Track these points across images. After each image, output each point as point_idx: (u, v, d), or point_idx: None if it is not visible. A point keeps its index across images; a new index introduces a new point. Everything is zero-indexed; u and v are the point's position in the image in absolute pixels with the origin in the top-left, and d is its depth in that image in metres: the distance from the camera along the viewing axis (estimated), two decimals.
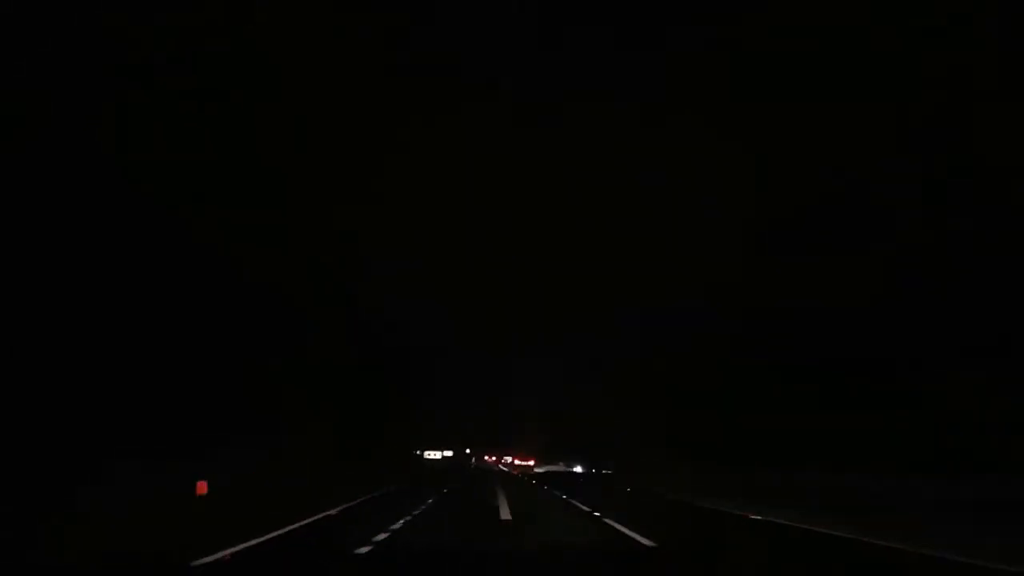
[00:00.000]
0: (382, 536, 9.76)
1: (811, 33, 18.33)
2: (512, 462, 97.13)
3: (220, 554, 7.85)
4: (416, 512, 14.12)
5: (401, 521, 12.27)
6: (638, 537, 10.44)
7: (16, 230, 13.99)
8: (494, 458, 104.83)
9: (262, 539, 9.37)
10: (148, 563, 7.45)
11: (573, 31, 19.85)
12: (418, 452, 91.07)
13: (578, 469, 70.66)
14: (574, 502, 18.71)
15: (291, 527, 10.98)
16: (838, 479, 20.34)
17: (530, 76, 21.63)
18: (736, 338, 31.75)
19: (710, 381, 36.03)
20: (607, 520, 13.54)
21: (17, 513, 10.49)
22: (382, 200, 28.95)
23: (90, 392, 15.64)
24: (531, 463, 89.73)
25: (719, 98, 22.39)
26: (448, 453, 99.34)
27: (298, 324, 29.16)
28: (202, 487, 14.84)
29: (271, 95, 19.84)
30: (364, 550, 8.43)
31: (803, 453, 24.46)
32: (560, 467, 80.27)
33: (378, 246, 33.32)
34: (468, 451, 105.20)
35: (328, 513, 13.73)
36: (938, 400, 20.00)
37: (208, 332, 21.12)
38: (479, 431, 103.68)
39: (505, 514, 14.11)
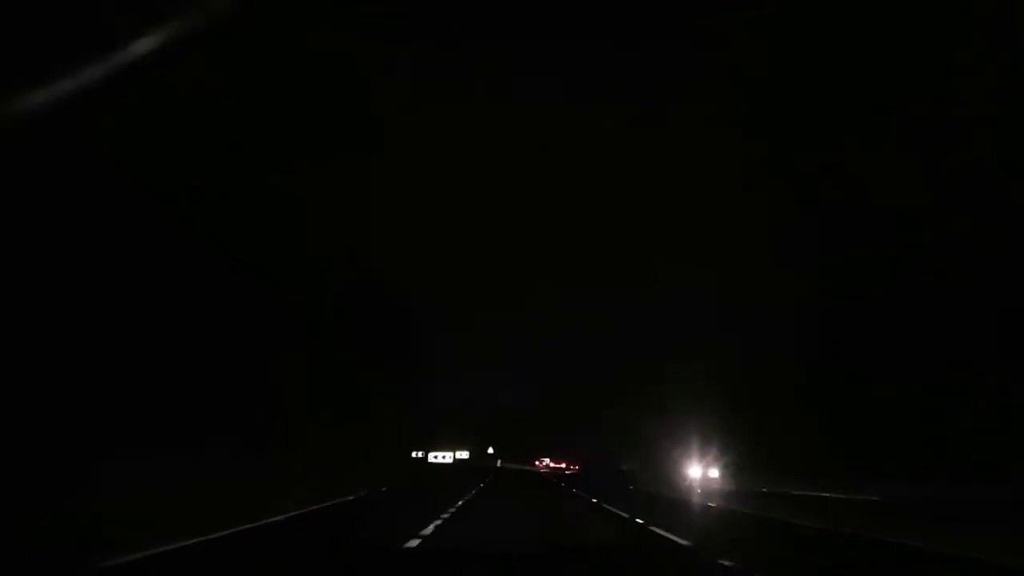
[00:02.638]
0: None
1: (810, 32, 18.32)
2: (548, 465, 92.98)
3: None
4: None
5: None
6: None
7: (15, 229, 14.02)
8: (543, 462, 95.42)
9: None
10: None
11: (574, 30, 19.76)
12: (420, 454, 76.72)
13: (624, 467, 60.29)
14: None
15: None
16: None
17: (534, 71, 21.52)
18: (742, 337, 31.80)
19: (715, 381, 36.02)
20: None
21: None
22: (382, 199, 28.95)
23: (79, 393, 15.61)
24: (563, 465, 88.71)
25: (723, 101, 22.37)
26: (462, 455, 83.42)
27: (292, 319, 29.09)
28: None
29: (282, 98, 19.87)
30: None
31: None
32: (577, 468, 79.77)
33: (377, 245, 33.34)
34: (491, 451, 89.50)
35: None
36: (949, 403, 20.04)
37: (203, 331, 21.14)
38: (505, 433, 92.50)
39: None
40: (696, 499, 23.54)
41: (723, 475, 29.99)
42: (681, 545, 10.70)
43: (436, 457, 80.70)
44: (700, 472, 31.45)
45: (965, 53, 16.44)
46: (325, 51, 19.44)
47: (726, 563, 9.01)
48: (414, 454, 73.72)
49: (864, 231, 21.28)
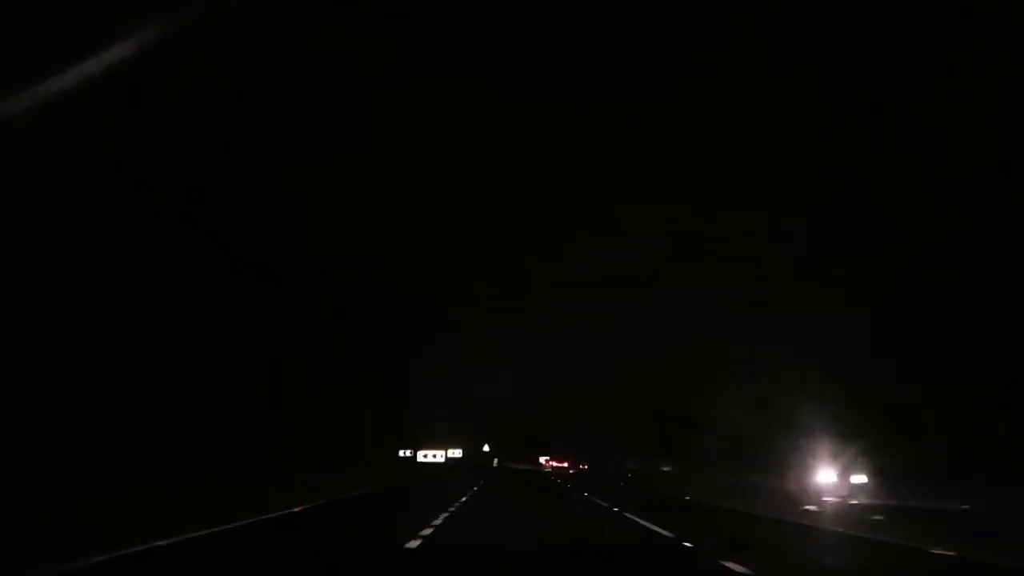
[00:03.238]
0: None
1: (810, 32, 18.34)
2: (552, 464, 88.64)
3: None
4: None
5: None
6: None
7: (15, 229, 14.03)
8: (549, 462, 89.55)
9: None
10: None
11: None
12: (408, 453, 69.85)
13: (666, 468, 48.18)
14: None
15: None
16: None
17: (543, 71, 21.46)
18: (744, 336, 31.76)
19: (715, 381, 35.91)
20: None
21: None
22: (382, 199, 28.96)
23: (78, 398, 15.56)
24: (565, 464, 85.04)
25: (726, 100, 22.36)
26: (455, 453, 75.65)
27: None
28: None
29: (282, 98, 19.92)
30: None
31: None
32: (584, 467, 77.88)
33: (377, 245, 33.34)
34: (487, 449, 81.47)
35: None
36: None
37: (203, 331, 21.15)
38: (503, 432, 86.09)
39: None
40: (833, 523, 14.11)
41: (872, 483, 19.34)
42: None
43: (426, 456, 73.68)
44: (834, 478, 20.08)
45: (965, 53, 16.45)
46: (325, 51, 19.46)
47: None
48: (401, 453, 68.37)
49: (864, 231, 21.30)
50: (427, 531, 10.81)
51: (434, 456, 74.48)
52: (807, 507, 18.32)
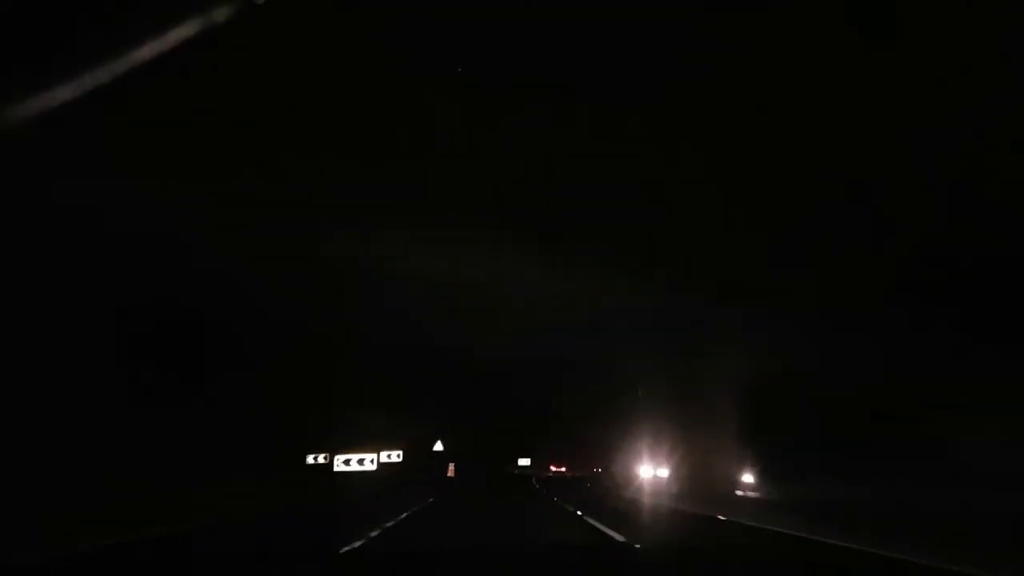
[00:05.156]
0: None
1: (811, 34, 18.29)
2: (551, 467, 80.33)
3: None
4: None
5: None
6: None
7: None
8: (550, 468, 79.58)
9: None
10: None
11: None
12: (322, 459, 53.05)
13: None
14: None
15: None
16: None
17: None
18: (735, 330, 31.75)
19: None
20: None
21: None
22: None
23: None
24: (563, 468, 78.45)
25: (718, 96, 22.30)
26: (389, 456, 57.22)
27: None
28: None
29: (281, 101, 19.92)
30: None
31: None
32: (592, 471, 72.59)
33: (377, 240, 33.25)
34: (439, 448, 59.80)
35: None
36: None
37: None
38: (477, 429, 71.77)
39: None
40: None
41: None
42: None
43: (348, 463, 54.22)
44: None
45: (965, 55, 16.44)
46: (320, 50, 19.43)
47: None
48: (311, 459, 52.58)
49: (864, 234, 21.27)
50: None
51: (360, 462, 55.36)
52: None
